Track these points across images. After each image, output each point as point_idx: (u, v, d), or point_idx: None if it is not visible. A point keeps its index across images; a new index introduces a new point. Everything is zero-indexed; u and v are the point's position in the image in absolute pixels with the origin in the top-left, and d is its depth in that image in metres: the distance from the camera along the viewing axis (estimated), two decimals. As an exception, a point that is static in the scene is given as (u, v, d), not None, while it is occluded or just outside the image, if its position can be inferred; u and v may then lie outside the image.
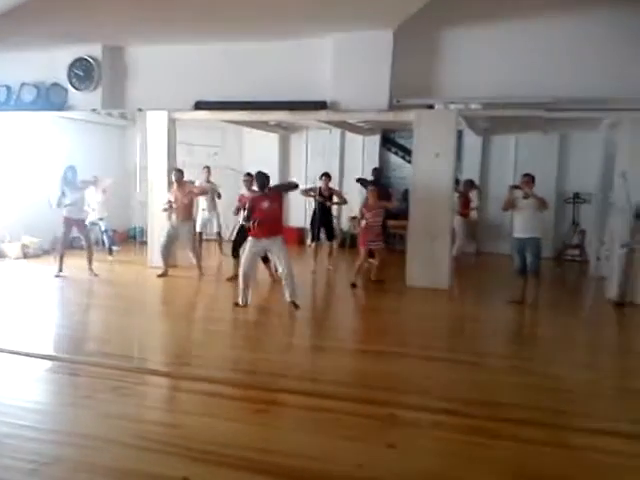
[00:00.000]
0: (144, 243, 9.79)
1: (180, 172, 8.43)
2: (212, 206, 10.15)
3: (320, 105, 4.31)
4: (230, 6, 3.93)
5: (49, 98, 4.94)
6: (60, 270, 8.31)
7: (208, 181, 10.00)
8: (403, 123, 8.58)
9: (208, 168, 10.09)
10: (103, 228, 9.90)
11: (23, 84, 4.99)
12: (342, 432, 3.67)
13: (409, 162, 10.79)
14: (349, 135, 11.95)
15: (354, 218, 10.58)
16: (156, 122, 8.97)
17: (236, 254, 7.77)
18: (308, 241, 11.47)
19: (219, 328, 6.33)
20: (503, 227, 9.82)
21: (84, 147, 10.01)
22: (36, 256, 9.70)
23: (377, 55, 4.40)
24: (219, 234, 10.29)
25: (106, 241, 9.99)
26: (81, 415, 3.90)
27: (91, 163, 9.91)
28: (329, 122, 9.94)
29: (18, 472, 3.13)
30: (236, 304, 6.65)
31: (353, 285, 7.87)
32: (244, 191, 7.66)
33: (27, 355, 5.05)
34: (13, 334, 5.71)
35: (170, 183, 8.39)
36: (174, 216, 8.34)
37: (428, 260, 7.59)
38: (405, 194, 10.06)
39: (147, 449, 3.39)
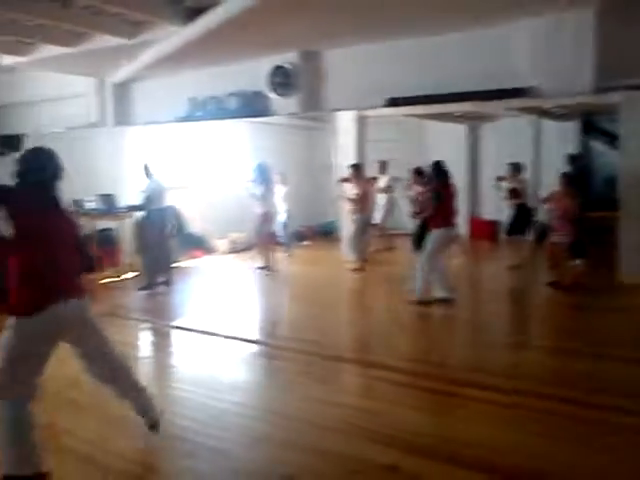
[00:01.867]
0: (336, 238, 10.24)
1: (357, 167, 8.67)
2: (390, 199, 10.27)
3: (516, 92, 4.13)
4: (421, 2, 3.95)
5: (252, 105, 5.36)
6: (265, 264, 8.92)
7: (385, 174, 10.15)
8: (607, 106, 7.87)
9: (385, 162, 10.27)
10: (285, 222, 10.37)
11: (230, 94, 5.48)
12: (545, 431, 3.51)
13: (616, 148, 9.88)
14: (544, 122, 11.23)
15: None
16: (345, 121, 9.36)
17: (418, 247, 7.72)
18: (503, 235, 11.04)
19: (407, 320, 6.38)
20: None
21: (280, 147, 10.76)
22: (242, 250, 10.56)
23: (577, 37, 4.10)
24: (396, 227, 10.32)
25: (285, 236, 10.47)
26: (284, 397, 4.20)
27: (287, 162, 10.64)
28: (522, 109, 9.47)
29: (233, 444, 3.46)
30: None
31: (553, 283, 7.26)
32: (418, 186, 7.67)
33: (235, 339, 5.56)
34: (224, 320, 6.32)
35: (351, 178, 8.63)
36: (354, 210, 8.61)
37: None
38: (609, 182, 9.20)
39: (350, 433, 3.53)
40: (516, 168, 8.72)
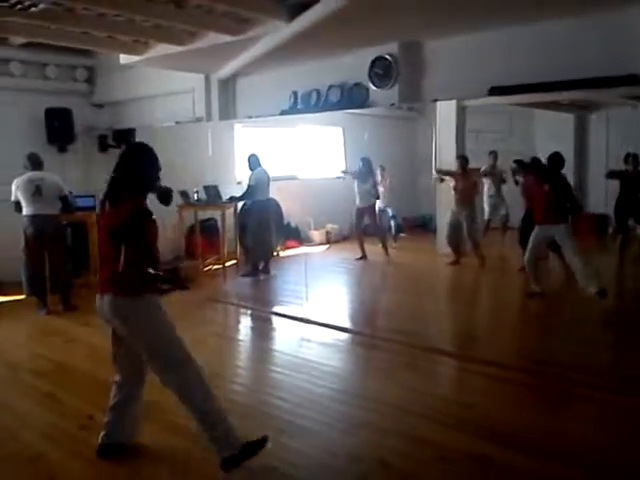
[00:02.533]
0: (433, 230, 10.15)
1: (465, 159, 8.53)
2: (498, 192, 9.97)
3: (630, 80, 3.91)
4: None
5: (352, 97, 5.43)
6: (362, 255, 9.03)
7: (494, 167, 9.85)
8: None
9: (495, 153, 9.94)
10: (390, 214, 10.41)
11: (330, 86, 5.58)
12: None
13: None
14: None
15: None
16: (445, 111, 9.22)
17: (524, 242, 7.50)
18: (609, 230, 10.50)
19: (507, 315, 6.24)
20: None
21: (378, 139, 10.78)
22: (336, 241, 10.73)
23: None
24: (505, 221, 10.03)
25: (393, 227, 10.50)
26: (380, 385, 4.26)
27: (384, 154, 10.65)
28: (636, 97, 8.92)
29: (331, 429, 3.56)
30: (529, 294, 6.45)
31: None
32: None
33: (333, 327, 5.67)
34: (322, 309, 6.47)
35: (456, 171, 8.49)
36: (454, 203, 8.47)
37: None
38: None
39: (444, 423, 3.55)
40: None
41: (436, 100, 5.31)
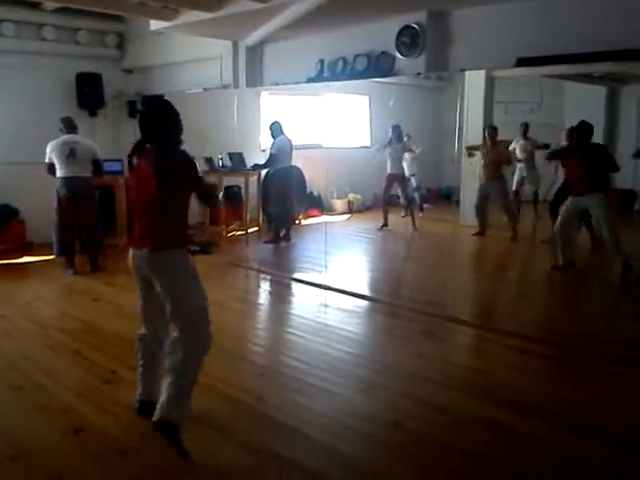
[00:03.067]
0: (457, 202, 10.10)
1: (494, 129, 8.44)
2: (529, 164, 9.84)
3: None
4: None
5: (378, 66, 5.42)
6: (384, 224, 9.05)
7: (526, 138, 9.72)
8: None
9: (526, 125, 9.80)
10: (414, 185, 10.36)
11: (357, 55, 5.57)
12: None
13: None
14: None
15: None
16: (474, 81, 9.09)
17: (555, 213, 7.40)
18: (637, 206, 10.34)
19: (530, 287, 6.26)
20: None
21: (404, 108, 10.69)
22: (359, 211, 10.76)
23: None
24: (535, 193, 9.92)
25: (417, 198, 10.46)
26: (398, 351, 4.36)
27: (410, 123, 10.57)
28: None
29: (350, 390, 3.68)
30: (554, 267, 6.44)
31: None
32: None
33: (353, 295, 5.76)
34: (344, 277, 6.57)
35: (485, 142, 8.43)
36: (483, 175, 8.41)
37: None
38: None
39: (459, 389, 3.65)
40: None
41: (463, 70, 5.26)
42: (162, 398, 2.84)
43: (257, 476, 2.80)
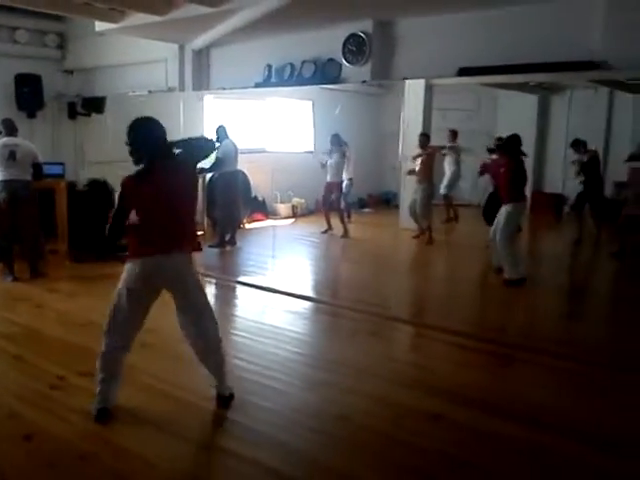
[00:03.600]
0: (397, 206, 10.38)
1: (425, 136, 8.75)
2: (456, 168, 10.25)
3: (589, 65, 4.16)
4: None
5: (325, 73, 5.56)
6: (328, 229, 9.18)
7: (454, 143, 10.15)
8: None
9: (455, 131, 10.23)
10: (344, 190, 10.46)
11: (304, 61, 5.70)
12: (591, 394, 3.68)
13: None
14: (619, 94, 10.90)
15: (619, 185, 9.71)
16: (413, 89, 9.39)
17: (489, 220, 7.71)
18: (565, 209, 10.92)
19: (467, 288, 6.54)
20: None
21: (346, 114, 10.90)
22: (303, 215, 10.89)
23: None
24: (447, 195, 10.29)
25: (347, 203, 10.54)
26: (344, 350, 4.49)
27: (351, 129, 10.78)
28: (598, 81, 9.24)
29: (299, 388, 3.80)
30: (497, 269, 6.66)
31: (615, 254, 7.29)
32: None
33: (297, 296, 5.88)
34: (289, 280, 6.67)
35: (418, 148, 8.71)
36: (418, 179, 8.71)
37: None
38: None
39: (402, 384, 3.83)
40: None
41: (406, 78, 5.47)
42: (222, 378, 3.41)
43: (214, 474, 2.87)
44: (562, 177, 10.76)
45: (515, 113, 11.65)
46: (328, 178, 9.15)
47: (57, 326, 4.87)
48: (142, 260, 3.12)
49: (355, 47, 5.34)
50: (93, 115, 7.93)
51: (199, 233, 8.30)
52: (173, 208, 3.11)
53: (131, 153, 3.12)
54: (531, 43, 4.55)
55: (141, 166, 3.11)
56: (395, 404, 3.52)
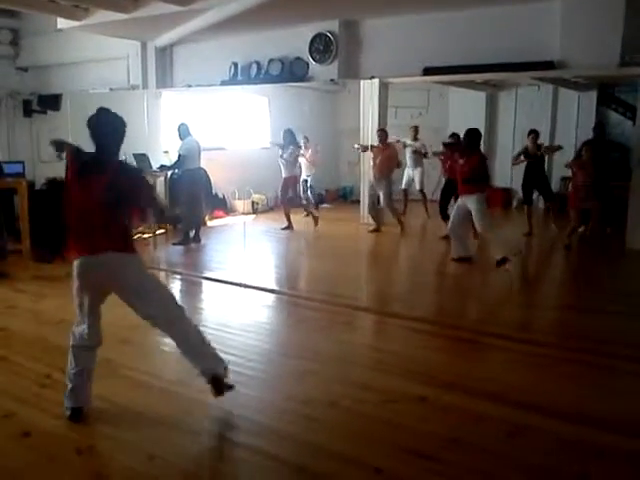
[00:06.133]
0: (356, 202, 10.59)
1: (383, 132, 8.98)
2: (416, 164, 10.54)
3: (547, 65, 4.42)
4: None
5: (292, 71, 5.66)
6: (288, 224, 9.31)
7: (415, 139, 10.42)
8: (626, 77, 8.07)
9: (416, 127, 10.51)
10: (308, 185, 10.65)
11: (271, 60, 5.78)
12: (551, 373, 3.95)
13: (630, 119, 10.10)
14: (562, 91, 11.44)
15: (565, 179, 10.22)
16: (368, 87, 9.59)
17: (445, 215, 8.02)
18: (514, 203, 11.40)
19: (433, 278, 6.82)
20: None
21: (300, 111, 11.04)
22: (264, 212, 10.96)
23: (608, 13, 4.38)
24: (421, 191, 10.60)
25: (311, 198, 10.76)
26: (323, 341, 4.62)
27: (307, 125, 10.92)
28: (541, 79, 9.68)
29: (284, 377, 3.93)
30: (453, 259, 6.98)
31: (567, 247, 7.68)
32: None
33: (270, 291, 6.01)
34: (255, 274, 6.74)
35: (375, 144, 8.93)
36: (373, 175, 8.93)
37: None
38: (624, 152, 9.46)
39: (382, 370, 4.00)
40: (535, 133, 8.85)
41: (373, 77, 5.64)
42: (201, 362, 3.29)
43: (214, 463, 2.96)
44: (510, 172, 11.20)
45: (465, 109, 12.06)
46: (284, 174, 9.23)
47: (35, 326, 4.83)
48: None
49: (322, 46, 5.47)
50: (49, 113, 7.77)
51: (160, 231, 8.35)
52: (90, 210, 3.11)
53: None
54: (493, 43, 4.80)
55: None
56: (380, 390, 3.67)
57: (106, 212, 3.05)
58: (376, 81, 9.30)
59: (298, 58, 5.61)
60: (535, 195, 9.14)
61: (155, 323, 3.26)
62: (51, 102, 7.77)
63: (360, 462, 2.86)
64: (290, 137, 9.12)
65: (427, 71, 4.96)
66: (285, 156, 9.08)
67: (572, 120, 11.37)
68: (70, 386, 3.21)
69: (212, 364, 3.34)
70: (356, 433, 3.18)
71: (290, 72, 5.66)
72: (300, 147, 9.51)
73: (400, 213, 9.38)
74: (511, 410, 3.39)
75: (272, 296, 5.91)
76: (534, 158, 8.62)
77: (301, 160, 9.98)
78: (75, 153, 3.21)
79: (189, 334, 3.32)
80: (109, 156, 3.14)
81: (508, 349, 4.43)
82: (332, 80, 5.79)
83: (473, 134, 6.53)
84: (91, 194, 3.05)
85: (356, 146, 9.26)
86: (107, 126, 3.16)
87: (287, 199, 9.41)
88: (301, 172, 9.84)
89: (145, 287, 3.18)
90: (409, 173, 10.59)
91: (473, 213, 6.57)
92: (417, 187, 10.47)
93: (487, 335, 4.67)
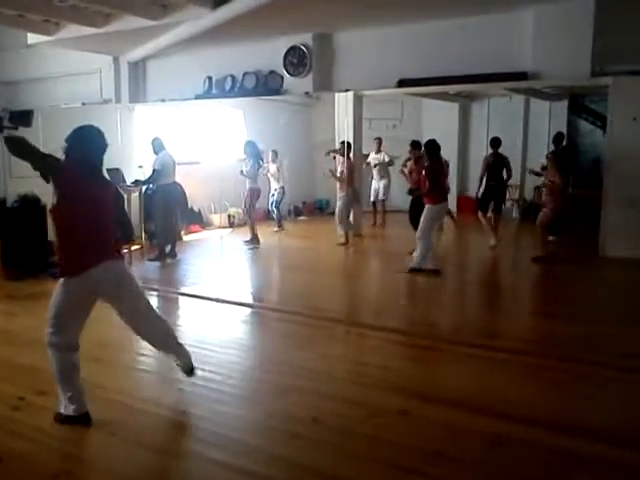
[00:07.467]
0: (332, 214, 10.58)
1: (347, 145, 9.00)
2: (382, 175, 10.63)
3: (520, 76, 4.49)
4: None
5: (267, 84, 5.65)
6: (250, 238, 9.11)
7: (379, 151, 10.52)
8: (596, 87, 8.23)
9: (379, 139, 10.63)
10: (275, 198, 10.44)
11: (245, 73, 5.76)
12: (522, 379, 3.96)
13: (600, 127, 10.31)
14: (534, 101, 11.64)
15: (538, 188, 10.34)
16: (343, 99, 9.65)
17: (415, 224, 7.98)
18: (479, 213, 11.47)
19: (410, 290, 6.81)
20: None
21: (274, 124, 11.02)
22: (240, 225, 10.87)
23: (579, 24, 4.46)
24: (382, 201, 10.66)
25: (277, 211, 10.55)
26: (304, 355, 4.57)
27: (282, 138, 10.91)
28: (513, 90, 9.84)
29: (266, 394, 3.85)
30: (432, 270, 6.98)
31: (537, 258, 7.64)
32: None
33: (247, 306, 5.96)
34: (232, 289, 6.68)
35: (339, 156, 8.96)
36: (341, 187, 8.95)
37: (625, 228, 7.26)
38: (595, 161, 9.64)
39: (364, 384, 3.96)
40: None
41: (348, 90, 5.67)
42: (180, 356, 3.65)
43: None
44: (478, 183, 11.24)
45: (438, 120, 12.19)
46: (247, 184, 9.07)
47: (4, 347, 4.69)
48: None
49: (296, 59, 5.47)
50: (21, 129, 7.60)
51: (136, 247, 8.23)
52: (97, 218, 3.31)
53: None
54: (466, 55, 4.85)
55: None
56: (361, 404, 3.63)
57: (113, 223, 3.32)
58: (350, 94, 9.37)
59: (273, 72, 5.60)
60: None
61: (145, 319, 3.55)
62: (23, 118, 7.60)
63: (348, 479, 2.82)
64: (251, 149, 8.98)
65: (401, 83, 4.98)
66: (245, 171, 8.96)
67: (544, 129, 11.56)
68: (69, 395, 3.23)
69: (189, 357, 3.70)
70: (339, 450, 3.13)
71: (265, 85, 5.64)
72: (261, 161, 9.25)
73: (349, 229, 9.22)
74: (493, 421, 3.38)
75: (249, 310, 5.85)
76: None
77: (269, 173, 9.95)
78: (72, 164, 3.16)
79: (169, 330, 3.70)
80: (101, 169, 3.28)
81: (478, 357, 4.44)
82: (307, 93, 5.77)
83: (429, 145, 6.67)
84: (104, 206, 3.24)
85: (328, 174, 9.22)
86: (96, 140, 3.23)
87: (251, 212, 9.16)
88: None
89: (138, 288, 3.56)
90: (375, 186, 10.69)
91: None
92: (380, 197, 10.55)
93: (457, 344, 4.68)
